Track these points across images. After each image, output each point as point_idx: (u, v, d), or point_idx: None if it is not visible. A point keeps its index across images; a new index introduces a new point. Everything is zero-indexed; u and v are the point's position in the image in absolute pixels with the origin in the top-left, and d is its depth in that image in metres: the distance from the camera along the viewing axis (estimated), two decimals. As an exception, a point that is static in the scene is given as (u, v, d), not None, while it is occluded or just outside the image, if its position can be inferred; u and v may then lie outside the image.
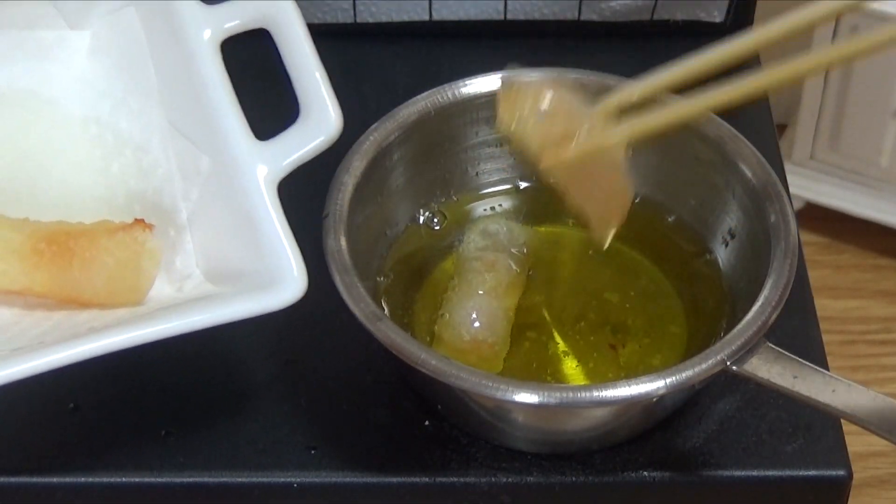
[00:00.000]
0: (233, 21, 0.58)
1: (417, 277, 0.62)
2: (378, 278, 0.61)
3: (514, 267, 0.61)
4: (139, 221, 0.56)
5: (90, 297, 0.55)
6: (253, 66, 0.61)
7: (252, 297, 0.53)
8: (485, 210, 0.64)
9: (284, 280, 0.53)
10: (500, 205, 0.64)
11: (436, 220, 0.64)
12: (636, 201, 0.64)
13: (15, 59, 0.62)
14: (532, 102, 0.55)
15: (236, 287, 0.54)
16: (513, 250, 0.61)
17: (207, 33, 0.58)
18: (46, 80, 0.62)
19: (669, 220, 0.63)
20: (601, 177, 0.56)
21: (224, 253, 0.57)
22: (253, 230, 0.55)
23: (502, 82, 0.58)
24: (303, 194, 0.62)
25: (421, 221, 0.63)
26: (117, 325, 0.52)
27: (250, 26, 0.58)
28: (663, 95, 0.55)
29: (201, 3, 0.59)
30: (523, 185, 0.65)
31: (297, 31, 0.57)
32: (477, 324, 0.58)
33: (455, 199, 0.64)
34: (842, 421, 0.56)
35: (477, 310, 0.58)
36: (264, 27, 0.58)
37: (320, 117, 0.57)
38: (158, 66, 0.60)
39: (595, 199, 0.57)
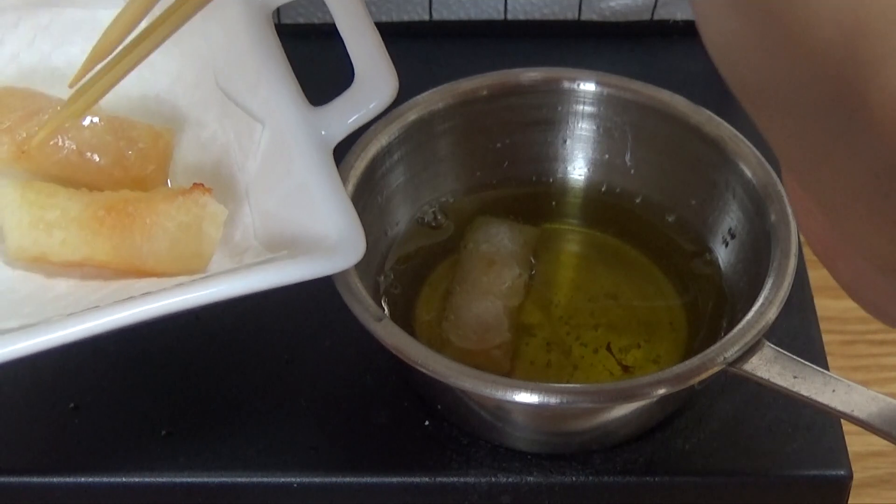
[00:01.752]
0: None
1: (418, 277, 0.62)
2: (378, 278, 0.61)
3: (518, 267, 0.61)
4: (198, 185, 0.55)
5: (153, 263, 0.55)
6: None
7: (313, 260, 0.52)
8: (486, 209, 0.64)
9: (343, 242, 0.53)
10: (501, 205, 0.64)
11: (436, 219, 0.64)
12: (637, 202, 0.64)
13: (74, 40, 0.62)
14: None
15: (295, 252, 0.54)
16: (515, 250, 0.61)
17: (259, 2, 0.57)
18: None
19: (669, 219, 0.63)
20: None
21: (282, 221, 0.56)
22: (310, 196, 0.54)
23: None
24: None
25: (421, 221, 0.63)
26: (173, 288, 0.51)
27: None
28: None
29: None
30: (523, 184, 0.65)
31: None
32: (483, 325, 0.58)
33: (455, 199, 0.64)
34: (842, 421, 0.56)
35: (482, 311, 0.58)
36: None
37: (375, 80, 0.57)
38: (211, 38, 0.60)
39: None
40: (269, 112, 0.57)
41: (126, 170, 0.58)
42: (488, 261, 0.60)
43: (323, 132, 0.56)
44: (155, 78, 0.62)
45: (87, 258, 0.55)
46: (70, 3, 0.62)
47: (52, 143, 0.57)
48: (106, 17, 0.60)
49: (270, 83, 0.57)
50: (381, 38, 0.57)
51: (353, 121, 0.56)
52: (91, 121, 0.58)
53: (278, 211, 0.56)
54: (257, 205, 0.58)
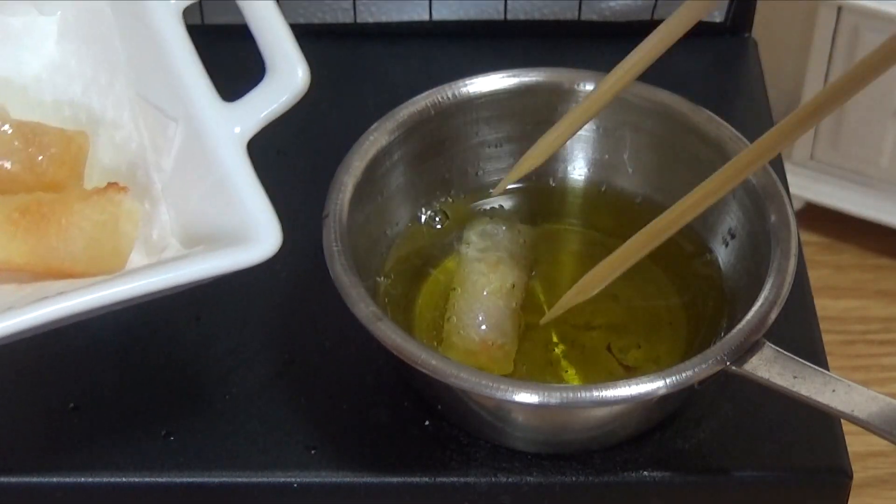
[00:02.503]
0: None
1: (418, 277, 0.62)
2: (378, 278, 0.61)
3: (518, 269, 0.60)
4: (113, 184, 0.56)
5: (70, 264, 0.55)
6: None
7: (227, 254, 0.53)
8: (486, 209, 0.64)
9: (259, 236, 0.53)
10: (501, 205, 0.64)
11: (437, 219, 0.64)
12: (637, 202, 0.64)
13: None
14: None
15: (213, 247, 0.54)
16: (515, 251, 0.61)
17: (168, 2, 0.58)
18: (18, 66, 0.62)
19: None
20: None
21: (199, 218, 0.56)
22: (225, 191, 0.55)
23: None
24: (303, 194, 0.63)
25: (422, 221, 0.63)
26: (89, 286, 0.51)
27: None
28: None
29: None
30: (523, 184, 0.64)
31: None
32: (485, 326, 0.58)
33: (456, 199, 0.64)
34: (842, 421, 0.56)
35: (484, 311, 0.58)
36: None
37: (286, 74, 0.57)
38: (125, 40, 0.60)
39: None
40: (182, 110, 0.57)
41: (39, 176, 0.58)
42: (488, 261, 0.60)
43: (237, 128, 0.56)
44: (68, 83, 0.62)
45: (2, 262, 0.55)
46: None
47: None
48: (17, 23, 0.61)
49: (182, 81, 0.57)
50: (291, 32, 0.58)
51: (266, 115, 0.57)
52: (1, 128, 0.58)
53: (195, 207, 0.57)
54: (174, 202, 0.58)
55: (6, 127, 0.58)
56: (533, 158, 0.60)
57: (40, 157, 0.58)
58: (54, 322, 0.51)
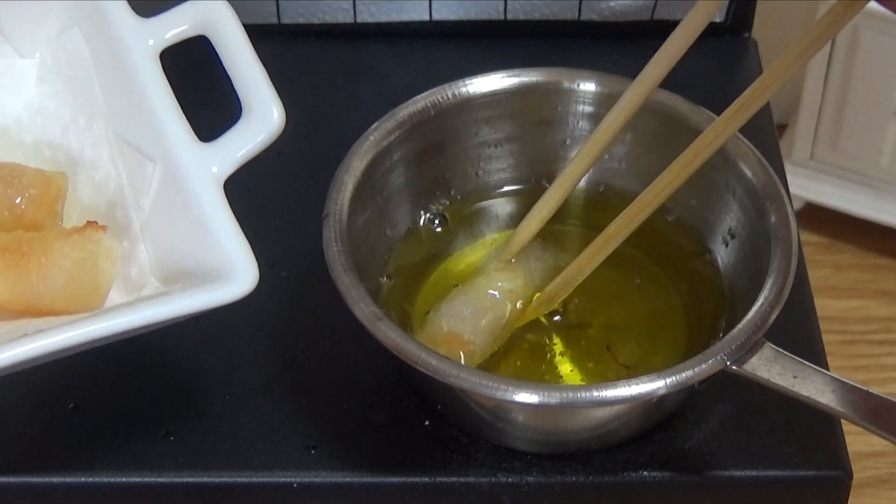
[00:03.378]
0: (170, 31, 0.60)
1: (419, 279, 0.62)
2: (380, 279, 0.61)
3: (528, 280, 0.60)
4: (91, 223, 0.56)
5: (50, 301, 0.55)
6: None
7: (204, 292, 0.53)
8: (486, 209, 0.64)
9: (236, 274, 0.54)
10: (500, 205, 0.64)
11: (437, 222, 0.64)
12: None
13: None
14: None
15: (190, 285, 0.55)
16: (536, 279, 0.61)
17: (146, 45, 0.59)
18: None
19: (669, 219, 0.63)
20: None
21: (177, 256, 0.57)
22: (202, 230, 0.56)
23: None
24: (303, 194, 0.63)
25: (422, 224, 0.63)
26: (69, 323, 0.52)
27: (188, 34, 0.60)
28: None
29: (139, 18, 0.60)
30: (523, 185, 0.65)
31: (235, 32, 0.59)
32: (456, 319, 0.58)
33: (456, 199, 0.64)
34: (842, 421, 0.56)
35: (465, 305, 0.58)
36: (202, 33, 0.59)
37: (262, 114, 0.58)
38: (103, 81, 0.61)
39: None
40: (160, 150, 0.58)
41: (18, 217, 0.58)
42: (505, 270, 0.60)
43: (214, 168, 0.57)
44: (48, 124, 0.63)
45: None
46: None
47: None
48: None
49: (160, 122, 0.58)
50: (265, 71, 0.58)
51: (242, 154, 0.58)
52: None
53: (173, 246, 0.58)
54: (152, 241, 0.59)
55: None
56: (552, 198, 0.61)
57: (19, 199, 0.59)
58: (34, 359, 0.52)
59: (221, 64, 0.59)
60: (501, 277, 0.60)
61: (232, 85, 0.58)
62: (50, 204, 0.59)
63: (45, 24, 0.63)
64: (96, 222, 0.56)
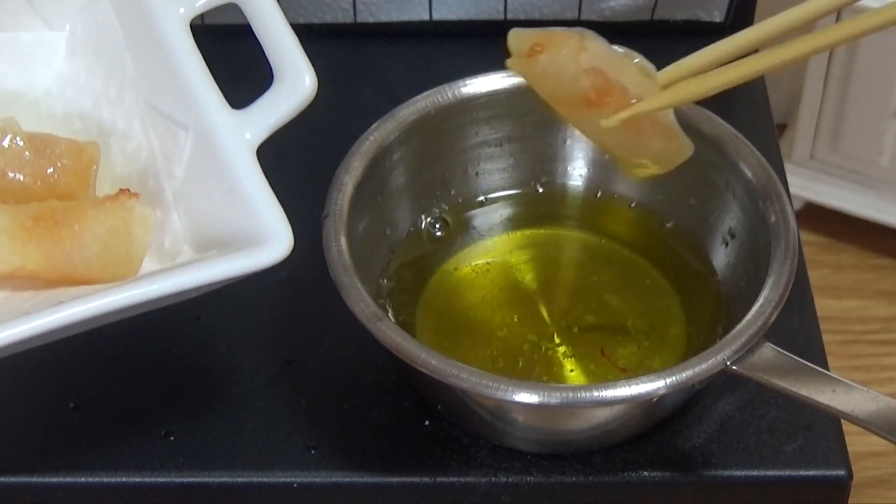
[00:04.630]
0: None
1: (420, 281, 0.62)
2: (381, 280, 0.61)
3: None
4: (124, 191, 0.56)
5: (84, 270, 0.55)
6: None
7: (240, 257, 0.53)
8: (486, 210, 0.64)
9: (271, 239, 0.54)
10: (501, 205, 0.64)
11: (437, 222, 0.64)
12: (631, 205, 0.64)
13: None
14: (569, 54, 0.54)
15: (225, 251, 0.55)
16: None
17: (176, 13, 0.59)
18: (29, 81, 0.63)
19: (669, 220, 0.63)
20: (648, 134, 0.56)
21: (211, 223, 0.57)
22: (237, 197, 0.55)
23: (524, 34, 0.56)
24: (303, 194, 0.63)
25: (422, 224, 0.63)
26: (102, 291, 0.52)
27: (219, 2, 0.59)
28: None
29: None
30: (523, 185, 0.65)
31: None
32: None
33: (456, 199, 0.64)
34: (842, 421, 0.56)
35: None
36: (233, 0, 0.59)
37: (294, 80, 0.58)
38: (133, 51, 0.61)
39: (637, 148, 0.56)
40: (191, 118, 0.58)
41: (51, 187, 0.59)
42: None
43: (247, 134, 0.57)
44: (79, 96, 0.63)
45: (18, 269, 0.55)
46: None
47: None
48: (28, 39, 0.62)
49: (192, 90, 0.58)
50: (296, 38, 0.58)
51: (275, 121, 0.57)
52: (13, 141, 0.58)
53: (206, 214, 0.57)
54: (185, 209, 0.59)
55: (18, 139, 0.58)
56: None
57: (52, 169, 0.59)
58: (71, 326, 0.51)
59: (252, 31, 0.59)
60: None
61: (263, 53, 0.58)
62: (83, 173, 0.59)
63: None
64: (129, 190, 0.56)
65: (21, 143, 0.58)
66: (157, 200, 0.59)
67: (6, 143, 0.58)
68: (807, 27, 0.54)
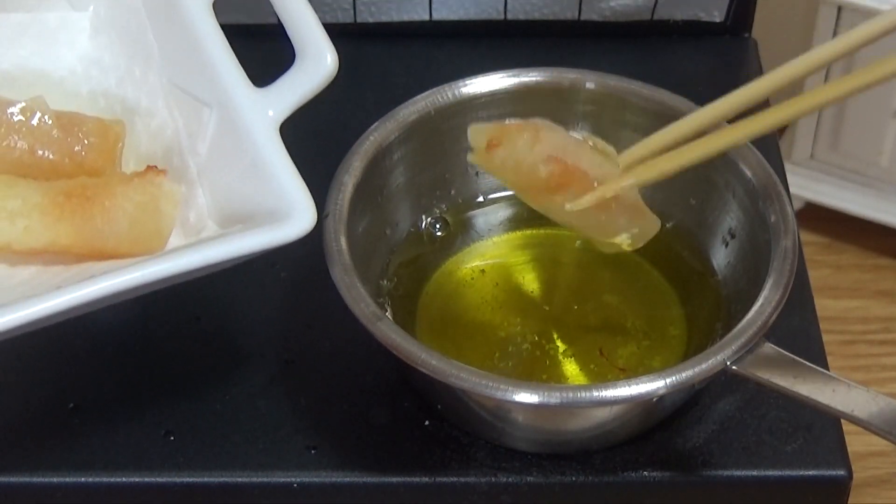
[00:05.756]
0: None
1: (420, 281, 0.62)
2: (381, 280, 0.61)
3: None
4: (151, 167, 0.57)
5: (114, 244, 0.56)
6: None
7: (265, 231, 0.54)
8: (486, 211, 0.64)
9: (295, 214, 0.55)
10: (501, 206, 0.64)
11: (437, 223, 0.64)
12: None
13: (22, 42, 0.64)
14: (525, 145, 0.56)
15: (250, 226, 0.56)
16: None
17: None
18: (53, 61, 0.64)
19: (669, 220, 0.63)
20: (615, 213, 0.57)
21: (235, 199, 0.58)
22: (261, 172, 0.56)
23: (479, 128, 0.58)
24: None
25: (422, 224, 0.63)
26: (134, 265, 0.53)
27: None
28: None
29: None
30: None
31: None
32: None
33: (456, 200, 0.64)
34: (842, 421, 0.56)
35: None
36: None
37: (315, 59, 0.58)
38: (157, 30, 0.62)
39: (606, 225, 0.58)
40: (215, 96, 0.59)
41: (78, 164, 0.59)
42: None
43: (270, 111, 0.58)
44: (103, 75, 0.64)
45: (49, 244, 0.56)
46: (15, 7, 0.65)
47: (4, 144, 0.59)
48: (52, 19, 0.63)
49: (215, 68, 0.59)
50: (317, 17, 0.59)
51: (297, 99, 0.58)
52: (41, 119, 0.59)
53: (231, 190, 0.58)
54: (210, 185, 0.59)
55: (46, 118, 0.59)
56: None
57: (79, 147, 0.59)
58: (103, 299, 0.52)
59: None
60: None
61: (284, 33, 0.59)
62: (109, 151, 0.60)
63: None
64: (156, 166, 0.57)
65: (49, 122, 0.59)
66: (181, 177, 0.60)
67: (35, 121, 0.59)
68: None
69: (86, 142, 0.59)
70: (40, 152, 0.59)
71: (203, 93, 0.59)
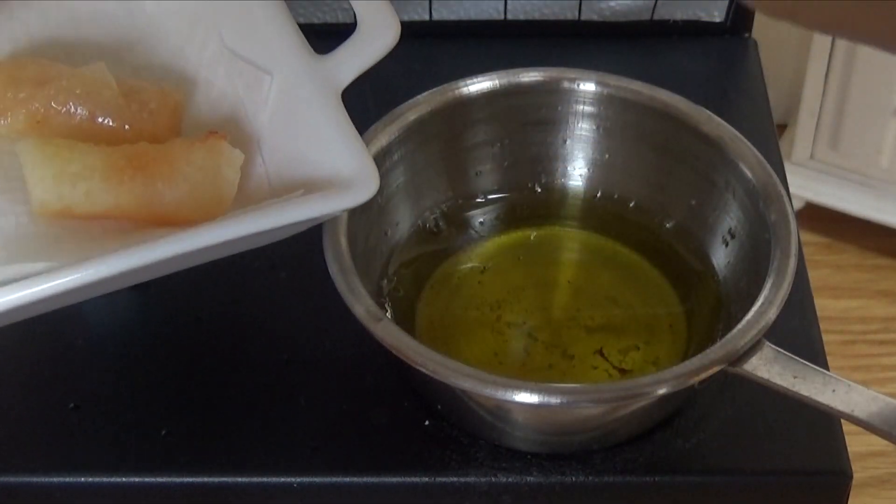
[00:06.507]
0: None
1: (420, 281, 0.62)
2: (381, 281, 0.61)
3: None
4: (213, 133, 0.57)
5: (175, 209, 0.56)
6: None
7: (328, 197, 0.54)
8: (485, 210, 0.64)
9: (359, 180, 0.55)
10: (501, 205, 0.64)
11: (437, 222, 0.64)
12: (631, 205, 0.64)
13: (83, 10, 0.63)
14: None
15: (311, 192, 0.55)
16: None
17: None
18: (115, 29, 0.64)
19: (669, 220, 0.63)
20: None
21: (295, 166, 0.58)
22: (322, 139, 0.56)
23: None
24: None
25: (422, 224, 0.63)
26: (195, 228, 0.52)
27: None
28: None
29: None
30: (523, 185, 0.65)
31: None
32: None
33: (455, 199, 0.64)
34: (842, 421, 0.56)
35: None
36: None
37: (378, 25, 0.59)
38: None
39: None
40: (276, 64, 0.59)
41: (139, 132, 0.59)
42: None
43: (331, 79, 0.58)
44: (162, 45, 0.63)
45: (110, 209, 0.55)
46: None
47: (64, 110, 0.58)
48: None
49: (276, 36, 0.59)
50: None
51: (359, 66, 0.58)
52: (101, 87, 0.59)
53: (291, 156, 0.58)
54: (270, 153, 0.59)
55: (107, 85, 0.59)
56: None
57: (140, 114, 0.59)
58: (171, 260, 0.52)
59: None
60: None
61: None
62: (169, 119, 0.60)
63: None
64: (217, 132, 0.57)
65: (110, 90, 0.59)
66: (241, 145, 0.60)
67: (95, 89, 0.59)
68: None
69: (147, 109, 0.59)
70: (101, 119, 0.59)
71: (263, 61, 0.59)
